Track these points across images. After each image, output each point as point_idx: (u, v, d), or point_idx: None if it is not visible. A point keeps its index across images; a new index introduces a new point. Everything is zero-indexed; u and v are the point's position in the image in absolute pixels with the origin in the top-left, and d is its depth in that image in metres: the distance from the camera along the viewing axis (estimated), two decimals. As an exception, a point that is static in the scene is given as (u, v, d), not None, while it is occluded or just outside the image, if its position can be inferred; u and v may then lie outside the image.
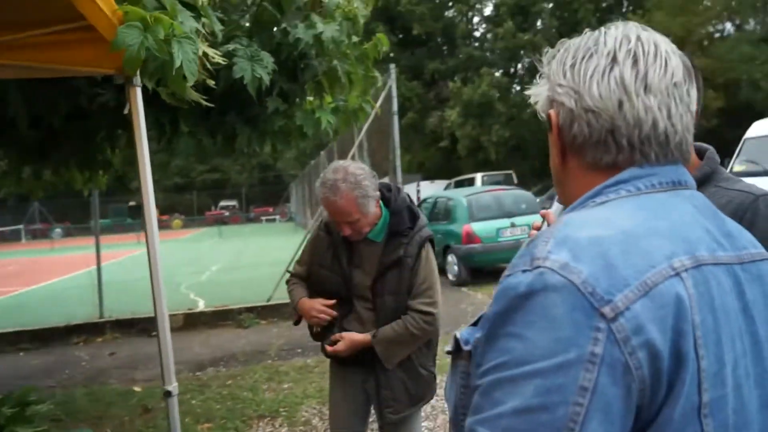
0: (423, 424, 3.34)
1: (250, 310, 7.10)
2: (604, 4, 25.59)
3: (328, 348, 2.01)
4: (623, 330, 0.55)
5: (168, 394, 2.26)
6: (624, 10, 26.78)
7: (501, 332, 0.60)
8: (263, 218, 41.01)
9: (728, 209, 1.19)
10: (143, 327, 6.65)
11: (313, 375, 4.76)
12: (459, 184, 19.33)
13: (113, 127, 3.69)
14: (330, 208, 1.94)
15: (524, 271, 0.60)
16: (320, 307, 2.03)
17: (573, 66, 0.69)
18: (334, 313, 2.02)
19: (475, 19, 30.74)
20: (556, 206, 1.15)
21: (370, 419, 2.24)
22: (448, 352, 0.74)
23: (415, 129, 27.25)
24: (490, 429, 0.57)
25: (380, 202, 2.04)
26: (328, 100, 3.91)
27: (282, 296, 7.38)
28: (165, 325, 2.25)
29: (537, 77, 0.77)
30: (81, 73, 2.32)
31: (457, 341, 0.71)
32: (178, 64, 1.78)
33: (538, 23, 27.53)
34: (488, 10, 30.43)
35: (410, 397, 1.99)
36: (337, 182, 1.90)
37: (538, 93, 0.75)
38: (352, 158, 11.14)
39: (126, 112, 2.21)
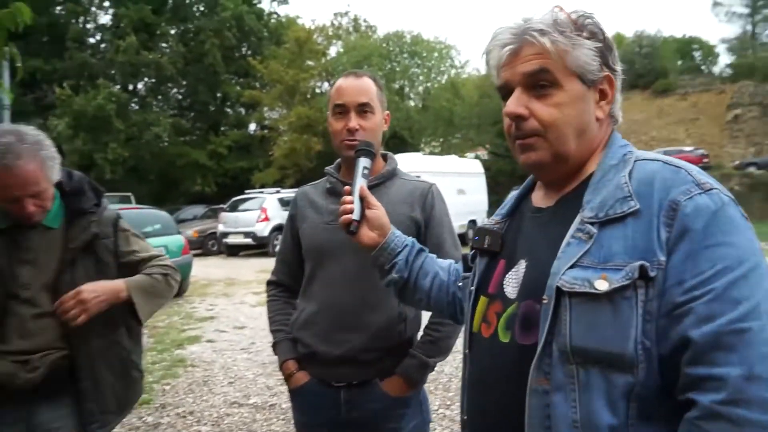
0: None
1: None
2: (227, 43, 26.90)
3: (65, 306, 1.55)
4: None
5: None
6: (244, 53, 28.93)
7: (705, 245, 0.74)
8: None
9: (416, 193, 1.65)
10: None
11: None
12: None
13: None
14: (8, 180, 1.50)
15: (700, 194, 0.77)
16: None
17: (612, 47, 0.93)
18: None
19: (90, 26, 27.58)
20: (363, 180, 1.34)
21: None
22: (612, 290, 0.76)
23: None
24: (761, 316, 0.71)
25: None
26: None
27: None
28: None
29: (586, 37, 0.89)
30: None
31: (644, 269, 0.75)
32: None
33: (164, 45, 26.86)
34: (106, 19, 27.86)
35: (119, 404, 1.73)
36: (13, 145, 1.50)
37: (589, 56, 0.90)
38: None
39: None
